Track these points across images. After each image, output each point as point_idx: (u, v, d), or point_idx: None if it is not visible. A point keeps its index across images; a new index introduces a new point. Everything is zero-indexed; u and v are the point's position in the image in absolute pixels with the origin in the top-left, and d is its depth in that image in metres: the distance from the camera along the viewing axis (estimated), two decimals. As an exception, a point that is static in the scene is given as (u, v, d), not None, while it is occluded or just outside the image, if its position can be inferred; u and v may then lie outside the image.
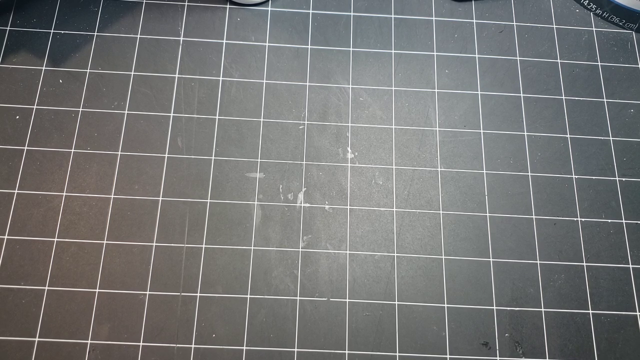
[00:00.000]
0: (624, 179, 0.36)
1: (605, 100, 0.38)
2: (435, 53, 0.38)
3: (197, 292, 0.32)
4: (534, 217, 0.34)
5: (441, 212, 0.34)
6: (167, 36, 0.37)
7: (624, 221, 0.34)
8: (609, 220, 0.34)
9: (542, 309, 0.32)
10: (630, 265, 0.33)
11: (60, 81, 0.36)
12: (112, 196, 0.33)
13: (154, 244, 0.32)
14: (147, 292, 0.31)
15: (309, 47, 0.38)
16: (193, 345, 0.31)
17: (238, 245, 0.33)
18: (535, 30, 0.39)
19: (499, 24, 0.39)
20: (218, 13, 0.38)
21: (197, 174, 0.34)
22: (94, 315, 0.31)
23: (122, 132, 0.35)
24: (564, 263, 0.33)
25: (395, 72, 0.38)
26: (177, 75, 0.36)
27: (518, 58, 0.38)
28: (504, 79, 0.38)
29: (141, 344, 0.30)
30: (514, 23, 0.40)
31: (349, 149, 0.35)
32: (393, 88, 0.37)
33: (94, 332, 0.31)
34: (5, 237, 0.32)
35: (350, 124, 0.36)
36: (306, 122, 0.36)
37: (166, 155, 0.34)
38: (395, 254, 0.33)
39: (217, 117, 0.35)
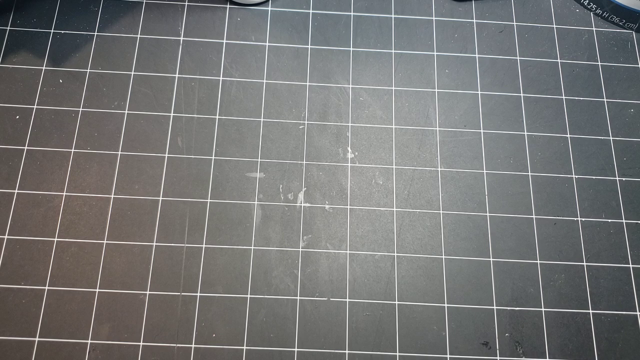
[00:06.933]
0: (624, 179, 0.36)
1: (605, 100, 0.38)
2: (435, 53, 0.38)
3: (197, 292, 0.32)
4: (534, 217, 0.34)
5: (441, 212, 0.34)
6: (167, 36, 0.37)
7: (624, 221, 0.34)
8: (609, 220, 0.34)
9: (542, 309, 0.32)
10: (630, 265, 0.33)
11: (60, 81, 0.36)
12: (112, 196, 0.33)
13: (154, 243, 0.32)
14: (147, 292, 0.31)
15: (309, 47, 0.38)
16: (193, 345, 0.31)
17: (238, 245, 0.33)
18: (535, 30, 0.39)
19: (499, 24, 0.39)
20: (218, 13, 0.38)
21: (197, 173, 0.34)
22: (94, 315, 0.31)
23: (122, 132, 0.35)
24: (564, 263, 0.33)
25: (395, 72, 0.38)
26: (177, 75, 0.36)
27: (518, 58, 0.38)
28: (504, 79, 0.38)
29: (141, 344, 0.30)
30: (514, 23, 0.40)
31: (349, 148, 0.35)
32: (393, 88, 0.37)
33: (94, 332, 0.31)
34: (5, 237, 0.32)
35: (350, 124, 0.36)
36: (306, 122, 0.36)
37: (166, 155, 0.34)
38: (396, 254, 0.33)
39: (217, 117, 0.35)
